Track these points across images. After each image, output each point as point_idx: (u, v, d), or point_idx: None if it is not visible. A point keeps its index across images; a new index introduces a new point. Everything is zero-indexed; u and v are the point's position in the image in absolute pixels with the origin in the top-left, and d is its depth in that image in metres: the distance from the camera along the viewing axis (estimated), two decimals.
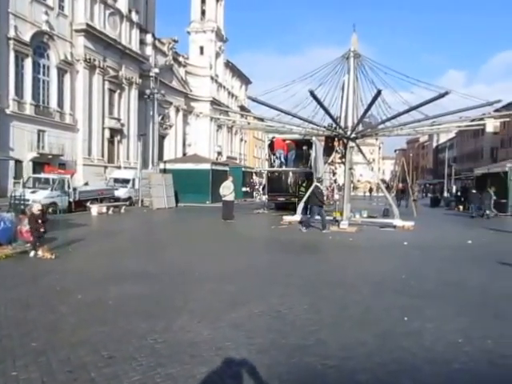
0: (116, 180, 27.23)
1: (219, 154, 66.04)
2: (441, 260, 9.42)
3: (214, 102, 62.01)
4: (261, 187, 32.14)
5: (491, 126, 63.25)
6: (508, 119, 32.49)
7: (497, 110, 15.91)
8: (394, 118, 14.47)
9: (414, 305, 5.73)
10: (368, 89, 15.56)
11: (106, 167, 41.53)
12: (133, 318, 5.00)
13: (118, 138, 44.88)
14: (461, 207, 26.54)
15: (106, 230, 14.46)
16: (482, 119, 17.12)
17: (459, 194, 30.01)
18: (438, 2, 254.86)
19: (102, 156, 41.93)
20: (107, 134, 42.93)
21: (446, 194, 46.01)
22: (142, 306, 5.49)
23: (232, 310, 5.36)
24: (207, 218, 18.79)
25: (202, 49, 66.81)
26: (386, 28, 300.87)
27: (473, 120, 16.61)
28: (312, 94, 12.76)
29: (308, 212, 15.72)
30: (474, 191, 24.49)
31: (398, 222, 15.47)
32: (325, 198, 16.15)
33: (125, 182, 26.78)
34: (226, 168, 31.27)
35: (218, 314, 5.20)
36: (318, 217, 14.37)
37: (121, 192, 24.93)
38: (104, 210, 19.64)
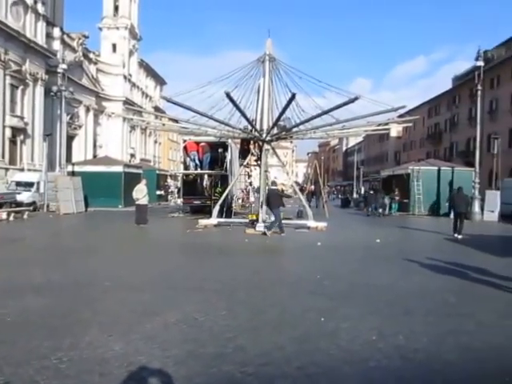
0: (18, 183, 24.99)
1: (132, 156, 63.51)
2: (353, 260, 9.75)
3: (127, 102, 59.50)
4: (176, 190, 31.46)
5: (395, 130, 68.85)
6: (409, 124, 35.38)
7: (400, 116, 17.09)
8: (307, 121, 14.91)
9: (330, 305, 5.81)
10: (283, 92, 15.89)
11: (7, 169, 37.84)
12: (34, 335, 4.45)
13: (21, 137, 41.10)
14: (381, 210, 28.09)
15: (4, 237, 13.06)
16: (386, 124, 18.30)
17: (366, 195, 31.93)
18: (347, 11, 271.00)
19: (3, 157, 38.16)
20: (8, 133, 39.08)
21: (355, 196, 48.72)
22: (45, 322, 4.92)
23: (145, 320, 5.00)
24: (119, 223, 17.90)
25: (114, 46, 63.75)
26: (297, 36, 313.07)
27: (379, 125, 17.74)
28: (228, 95, 12.69)
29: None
30: (371, 192, 27.32)
31: (311, 223, 15.94)
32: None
33: (28, 185, 24.60)
34: (140, 171, 30.31)
35: (130, 325, 4.82)
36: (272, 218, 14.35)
37: (24, 196, 22.87)
38: (4, 216, 17.88)
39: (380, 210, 24.59)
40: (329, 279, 7.44)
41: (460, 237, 14.12)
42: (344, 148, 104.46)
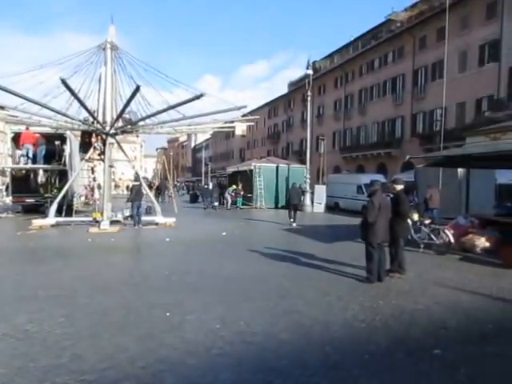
0: None
1: None
2: (200, 253, 9.99)
3: None
4: (3, 188, 27.67)
5: (240, 129, 72.09)
6: (252, 124, 37.52)
7: (245, 115, 18.00)
8: (153, 115, 14.61)
9: (176, 300, 5.88)
10: (128, 84, 15.27)
11: None
12: None
13: None
14: (216, 203, 29.01)
15: None
16: (232, 122, 19.04)
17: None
18: (194, 4, 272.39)
19: None
20: None
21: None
22: None
23: None
24: None
25: None
26: (144, 25, 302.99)
27: (226, 122, 18.40)
28: (64, 82, 11.59)
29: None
30: (205, 187, 29.04)
31: (160, 219, 15.77)
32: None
33: None
34: None
35: None
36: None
37: None
38: None
39: (215, 204, 26.19)
40: (177, 274, 7.51)
41: (295, 224, 16.24)
42: (193, 144, 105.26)
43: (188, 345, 4.31)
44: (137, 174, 17.28)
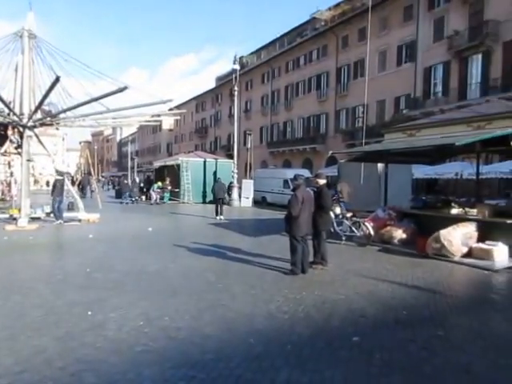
0: None
1: None
2: (125, 249, 9.74)
3: None
4: None
5: (167, 123, 70.94)
6: (178, 117, 37.00)
7: (171, 109, 17.65)
8: (75, 107, 13.89)
9: (99, 297, 5.68)
10: (47, 74, 14.33)
11: None
12: None
13: None
14: (143, 197, 28.47)
15: None
16: (159, 116, 18.61)
17: (142, 185, 32.17)
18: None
19: None
20: None
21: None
22: None
23: None
24: None
25: None
26: (65, 14, 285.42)
27: (153, 116, 17.94)
28: None
29: None
30: (125, 182, 29.70)
31: (83, 215, 15.08)
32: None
33: None
34: None
35: None
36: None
37: None
38: None
39: (135, 198, 26.27)
40: (100, 271, 7.26)
41: (222, 218, 16.63)
42: (118, 138, 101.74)
43: (110, 343, 4.20)
44: (56, 170, 16.28)
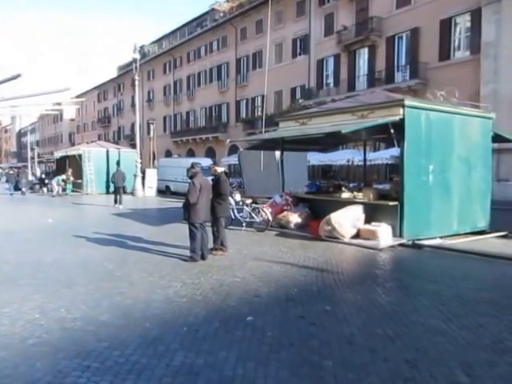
0: None
1: None
2: (22, 242, 9.26)
3: None
4: None
5: (68, 112, 67.39)
6: (78, 106, 34.95)
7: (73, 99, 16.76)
8: None
9: None
10: None
11: None
12: None
13: None
14: (45, 190, 27.08)
15: None
16: (60, 104, 17.62)
17: (43, 176, 30.87)
18: None
19: None
20: None
21: (30, 178, 45.06)
22: None
23: None
24: None
25: None
26: None
27: (54, 104, 16.85)
28: None
29: None
30: (10, 172, 29.61)
31: None
32: None
33: None
34: None
35: None
36: None
37: None
38: None
39: (23, 189, 25.79)
40: None
41: (121, 206, 16.68)
42: (17, 128, 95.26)
43: (2, 338, 3.98)
44: None
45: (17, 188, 26.23)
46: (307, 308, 4.95)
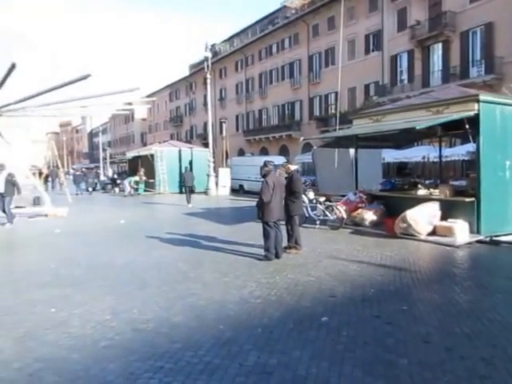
0: None
1: None
2: (93, 243, 9.41)
3: None
4: None
5: (140, 112, 69.54)
6: (149, 106, 36.39)
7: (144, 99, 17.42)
8: (33, 97, 13.25)
9: (63, 294, 5.49)
10: None
11: None
12: None
13: None
14: (117, 189, 27.70)
15: None
16: (131, 104, 18.28)
17: (115, 176, 31.67)
18: None
19: None
20: None
21: (102, 178, 47.08)
22: None
23: None
24: None
25: None
26: None
27: (125, 104, 17.51)
28: None
29: None
30: (77, 173, 29.10)
31: (49, 209, 14.65)
32: None
33: None
34: None
35: None
36: None
37: None
38: None
39: (90, 189, 26.49)
40: (64, 267, 7.01)
41: (190, 205, 17.11)
42: (89, 128, 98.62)
43: (74, 340, 4.04)
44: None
45: (87, 189, 27.09)
46: (383, 308, 4.79)
